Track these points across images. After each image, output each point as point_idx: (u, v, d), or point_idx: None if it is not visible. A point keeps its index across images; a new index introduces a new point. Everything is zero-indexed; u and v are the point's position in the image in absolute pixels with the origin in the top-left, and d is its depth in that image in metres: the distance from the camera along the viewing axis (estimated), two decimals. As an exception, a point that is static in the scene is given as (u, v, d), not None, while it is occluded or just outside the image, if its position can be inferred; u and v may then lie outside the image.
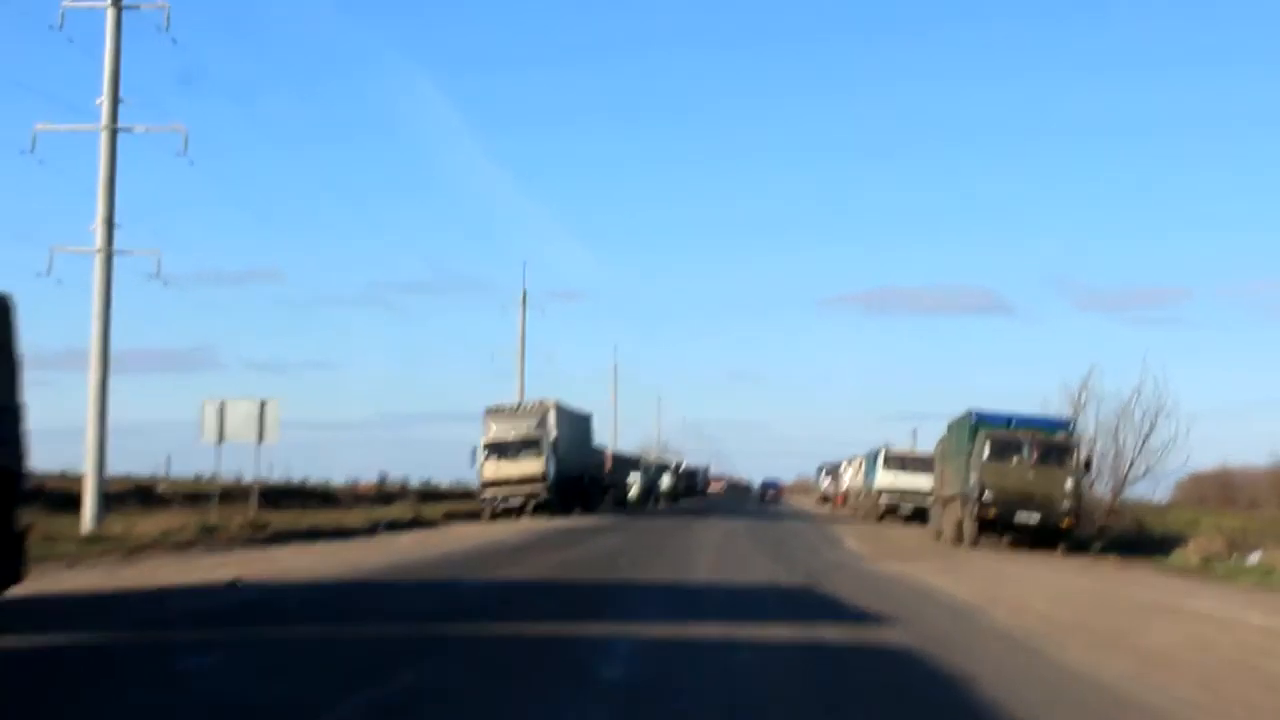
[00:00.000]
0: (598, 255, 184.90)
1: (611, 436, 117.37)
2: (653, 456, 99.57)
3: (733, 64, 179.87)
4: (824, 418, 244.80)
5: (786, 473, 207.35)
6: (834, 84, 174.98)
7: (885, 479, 62.59)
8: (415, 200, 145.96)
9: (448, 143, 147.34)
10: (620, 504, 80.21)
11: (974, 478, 38.99)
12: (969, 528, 39.11)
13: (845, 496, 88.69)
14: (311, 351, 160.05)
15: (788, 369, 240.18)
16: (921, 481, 61.56)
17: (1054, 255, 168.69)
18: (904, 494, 62.32)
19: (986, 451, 38.88)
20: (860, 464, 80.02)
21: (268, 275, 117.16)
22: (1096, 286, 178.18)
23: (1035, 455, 38.81)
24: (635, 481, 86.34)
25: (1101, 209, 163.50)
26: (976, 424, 40.46)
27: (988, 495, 38.51)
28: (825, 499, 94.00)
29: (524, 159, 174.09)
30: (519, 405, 59.10)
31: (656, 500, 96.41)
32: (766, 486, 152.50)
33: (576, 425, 63.02)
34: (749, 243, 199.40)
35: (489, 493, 55.57)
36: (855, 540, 42.46)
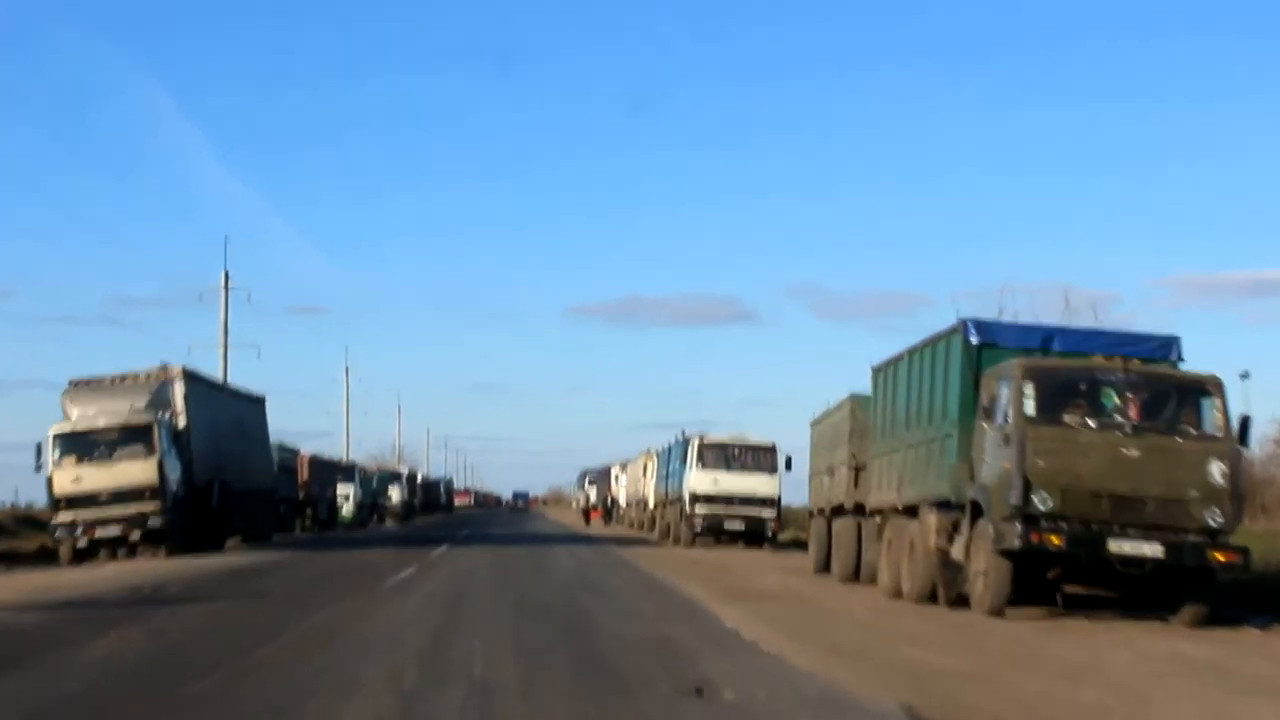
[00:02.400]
0: (340, 269, 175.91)
1: (343, 449, 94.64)
2: (374, 467, 75.11)
3: (483, 74, 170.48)
4: (573, 429, 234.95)
5: (537, 485, 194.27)
6: (583, 92, 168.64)
7: (701, 481, 40.18)
8: (155, 218, 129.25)
9: (189, 161, 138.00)
10: (325, 525, 56.25)
11: (992, 464, 17.03)
12: (993, 575, 16.85)
13: (607, 509, 66.13)
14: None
15: (534, 380, 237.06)
16: (756, 484, 39.77)
17: (794, 264, 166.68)
18: (731, 503, 39.96)
19: (1031, 404, 16.71)
20: (648, 463, 57.58)
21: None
22: (835, 294, 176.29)
23: (1136, 409, 16.84)
24: (348, 495, 62.32)
25: (839, 217, 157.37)
26: (981, 346, 18.35)
27: (1042, 500, 16.37)
28: (586, 513, 71.01)
29: (266, 176, 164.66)
30: (120, 376, 34.73)
31: (381, 519, 72.35)
32: (518, 497, 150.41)
33: (227, 409, 38.96)
34: (493, 253, 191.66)
35: (65, 516, 31.69)
36: (727, 607, 19.70)
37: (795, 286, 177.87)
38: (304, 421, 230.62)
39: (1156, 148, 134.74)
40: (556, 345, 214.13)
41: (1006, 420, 16.96)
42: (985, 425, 17.64)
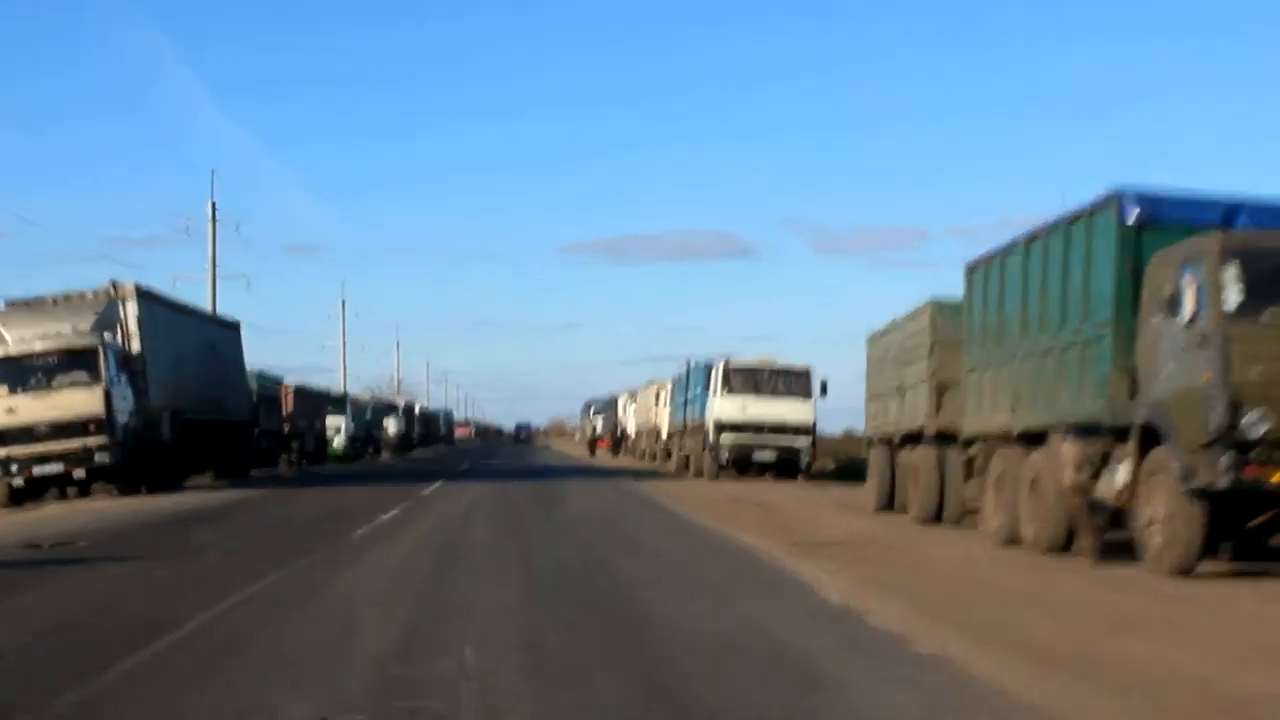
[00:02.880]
0: (336, 209, 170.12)
1: (342, 381, 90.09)
2: (368, 397, 70.45)
3: (479, 11, 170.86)
4: (571, 365, 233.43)
5: (538, 418, 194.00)
6: (578, 31, 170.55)
7: (728, 408, 35.50)
8: (155, 162, 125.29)
9: (188, 105, 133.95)
10: (314, 459, 51.65)
11: (1174, 374, 12.35)
12: (1180, 523, 12.14)
13: (615, 439, 61.48)
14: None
15: (532, 317, 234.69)
16: (789, 411, 35.23)
17: (791, 198, 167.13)
18: (761, 431, 35.32)
19: (1236, 294, 11.96)
20: (660, 391, 52.93)
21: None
22: (833, 229, 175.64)
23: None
24: (339, 428, 57.63)
25: (834, 152, 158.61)
26: (1142, 226, 13.54)
27: (1257, 422, 11.64)
28: (593, 444, 66.00)
29: (264, 119, 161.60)
30: (63, 295, 29.95)
31: (377, 452, 67.80)
32: (520, 429, 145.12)
33: (193, 334, 34.20)
34: (489, 190, 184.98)
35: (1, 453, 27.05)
36: (838, 576, 14.79)
37: (792, 221, 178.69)
38: (302, 358, 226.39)
39: (1161, 82, 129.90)
40: (553, 282, 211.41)
41: (1198, 316, 12.21)
42: (1159, 323, 12.90)
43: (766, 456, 35.47)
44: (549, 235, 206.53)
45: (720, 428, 35.53)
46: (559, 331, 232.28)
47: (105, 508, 24.47)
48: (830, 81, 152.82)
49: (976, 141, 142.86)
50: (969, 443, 18.15)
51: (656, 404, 53.54)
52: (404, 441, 76.59)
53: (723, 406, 35.60)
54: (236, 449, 36.60)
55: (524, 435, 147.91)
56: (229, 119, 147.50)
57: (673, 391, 46.42)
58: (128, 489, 27.58)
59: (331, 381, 78.53)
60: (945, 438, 19.52)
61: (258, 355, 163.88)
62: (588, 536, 17.08)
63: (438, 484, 31.31)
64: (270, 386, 46.74)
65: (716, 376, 35.95)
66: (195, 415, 32.53)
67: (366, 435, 65.33)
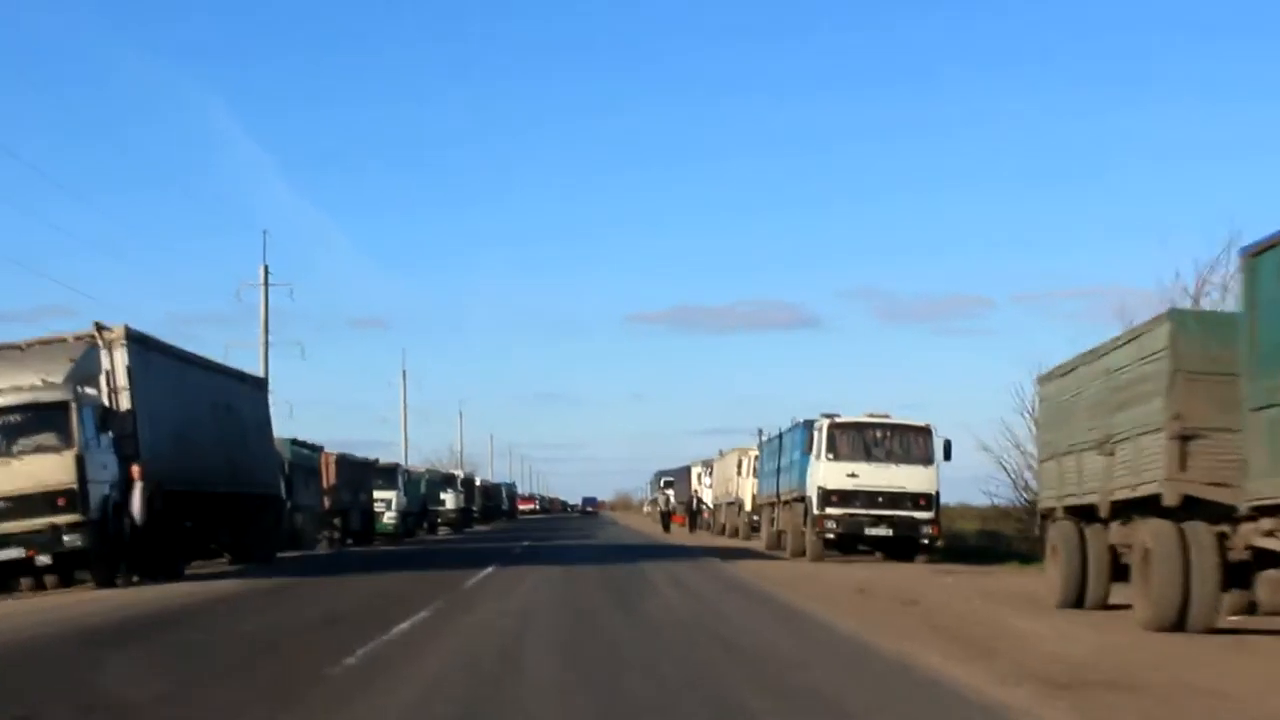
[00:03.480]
0: (400, 282, 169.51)
1: (403, 454, 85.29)
2: (422, 469, 64.81)
3: (544, 75, 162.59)
4: (636, 436, 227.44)
5: (603, 491, 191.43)
6: (630, 98, 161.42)
7: (834, 475, 29.55)
8: (218, 236, 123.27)
9: (252, 178, 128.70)
10: (360, 537, 46.06)
11: None
12: None
13: (691, 513, 55.28)
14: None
15: (597, 389, 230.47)
16: (907, 478, 29.47)
17: (854, 268, 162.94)
18: (874, 503, 29.35)
19: None
20: (743, 459, 46.98)
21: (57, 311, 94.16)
22: (897, 298, 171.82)
23: None
24: (390, 501, 51.98)
25: (897, 220, 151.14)
26: None
27: None
28: (666, 519, 59.11)
29: (328, 191, 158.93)
30: (39, 340, 24.55)
31: (433, 528, 62.11)
32: (586, 502, 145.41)
33: (202, 390, 28.66)
34: (551, 263, 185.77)
35: (-53, 536, 21.68)
36: None
37: (855, 290, 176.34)
38: (364, 432, 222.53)
39: (1217, 148, 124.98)
40: (617, 353, 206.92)
41: None
42: None
43: (880, 532, 29.42)
44: (614, 305, 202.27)
45: (825, 498, 29.51)
46: (624, 403, 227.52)
47: (68, 604, 18.98)
48: (891, 149, 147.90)
49: (1041, 209, 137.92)
50: (1257, 516, 12.13)
51: (739, 473, 47.57)
52: (463, 517, 70.92)
53: (827, 473, 29.61)
54: (258, 527, 30.98)
55: (591, 509, 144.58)
56: (293, 190, 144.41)
57: (760, 458, 40.48)
58: (105, 580, 22.04)
59: (393, 456, 73.58)
60: (1194, 505, 13.56)
61: (318, 431, 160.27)
62: (694, 659, 11.25)
63: (489, 569, 25.49)
64: (307, 456, 41.25)
65: (819, 438, 29.99)
66: (203, 487, 27.01)
67: (421, 510, 59.66)
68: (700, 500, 54.99)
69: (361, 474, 48.05)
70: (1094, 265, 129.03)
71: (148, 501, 22.49)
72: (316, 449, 43.34)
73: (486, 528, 76.21)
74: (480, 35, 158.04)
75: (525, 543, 41.51)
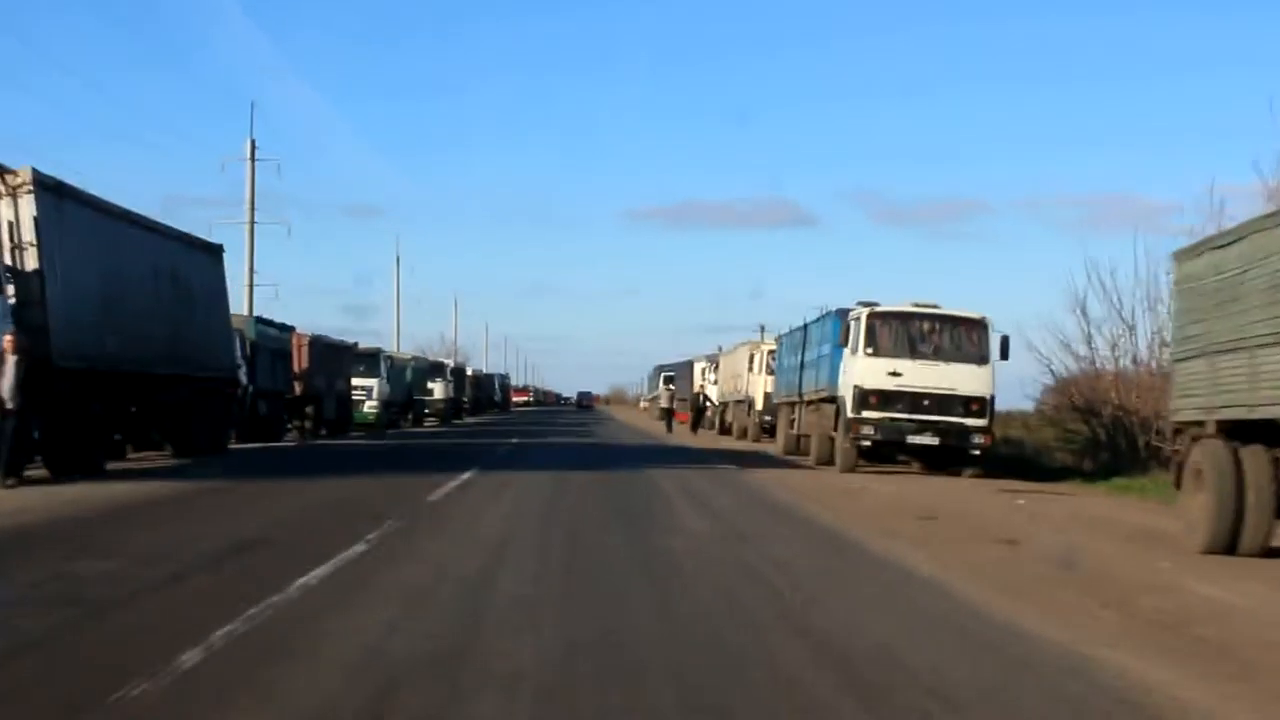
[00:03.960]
0: (396, 170, 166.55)
1: (395, 342, 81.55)
2: (408, 355, 60.33)
3: None
4: (632, 331, 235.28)
5: (598, 386, 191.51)
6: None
7: (873, 373, 25.24)
8: (216, 119, 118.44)
9: (253, 64, 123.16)
10: (336, 427, 41.94)
11: None
12: None
13: (696, 411, 50.82)
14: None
15: (593, 283, 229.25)
16: (959, 378, 25.34)
17: (853, 169, 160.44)
18: (919, 406, 25.09)
19: None
20: (755, 353, 42.68)
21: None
22: (895, 201, 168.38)
23: None
24: (371, 390, 47.74)
25: (899, 123, 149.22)
26: None
27: None
28: (668, 417, 53.87)
29: (328, 78, 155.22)
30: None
31: (418, 419, 57.99)
32: (583, 396, 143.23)
33: (138, 253, 24.02)
34: (550, 155, 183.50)
35: None
36: None
37: (854, 192, 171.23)
38: (358, 321, 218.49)
39: (1213, 58, 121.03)
40: (614, 248, 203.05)
41: None
42: None
43: (925, 440, 25.12)
44: (612, 201, 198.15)
45: (863, 399, 25.17)
46: (620, 297, 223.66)
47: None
48: (891, 50, 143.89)
49: (1042, 113, 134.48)
50: None
51: (750, 369, 43.26)
52: (452, 408, 66.78)
53: (866, 371, 25.26)
54: (206, 415, 26.65)
55: (586, 403, 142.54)
56: (293, 75, 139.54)
57: (778, 352, 36.07)
58: (10, 476, 17.73)
59: (388, 345, 69.40)
60: None
61: (309, 317, 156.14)
62: (735, 618, 6.99)
63: (468, 474, 21.16)
64: (275, 337, 36.87)
65: (857, 330, 25.59)
66: (132, 367, 22.63)
67: (406, 399, 55.45)
68: (706, 398, 50.66)
69: (338, 359, 43.70)
70: (1094, 172, 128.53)
71: (21, 383, 18.00)
72: (287, 329, 38.93)
73: (477, 420, 72.12)
74: None
75: (514, 440, 37.24)
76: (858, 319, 25.73)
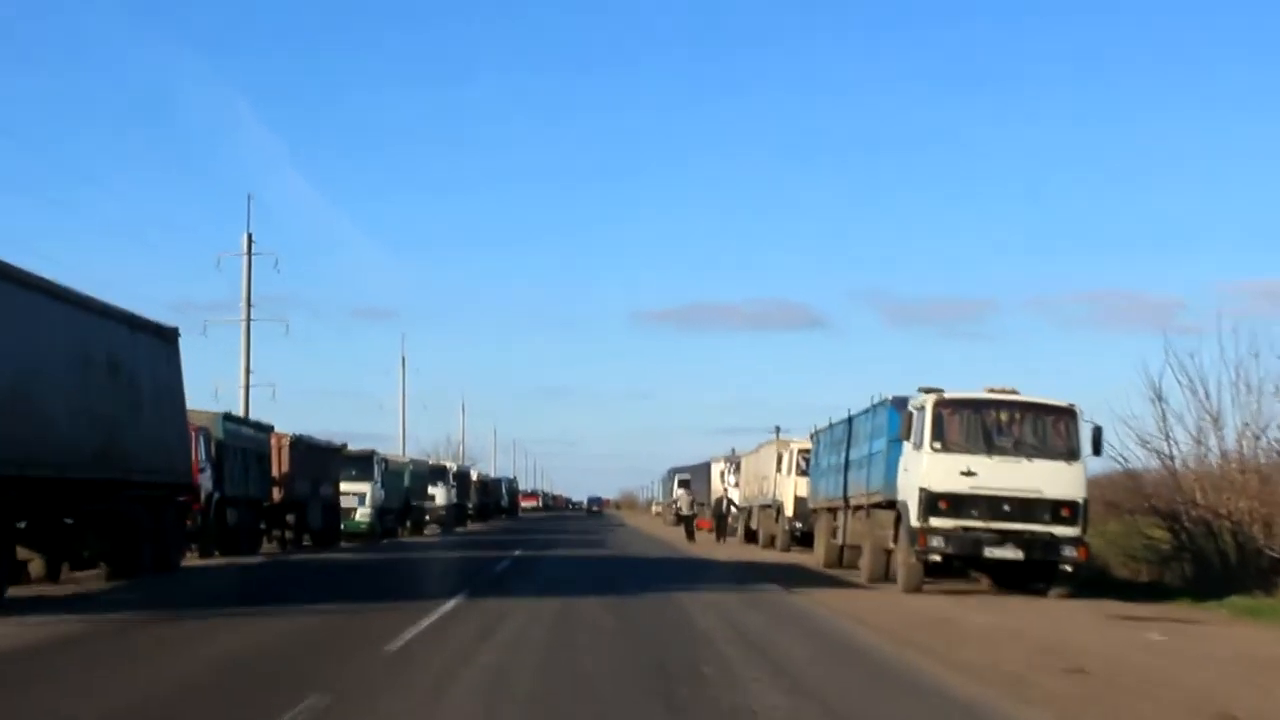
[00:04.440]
0: (406, 273, 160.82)
1: (401, 444, 77.88)
2: (405, 459, 55.84)
3: (549, 75, 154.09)
4: (641, 434, 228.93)
5: (608, 490, 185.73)
6: (639, 99, 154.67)
7: (943, 472, 20.79)
8: (225, 222, 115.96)
9: (261, 165, 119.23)
10: (323, 539, 37.62)
11: None
12: None
13: (719, 519, 45.97)
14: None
15: (602, 385, 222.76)
16: (1044, 478, 20.64)
17: (862, 270, 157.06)
18: (999, 512, 20.66)
19: None
20: (786, 452, 38.27)
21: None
22: (905, 300, 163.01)
23: None
24: (364, 495, 43.36)
25: (909, 223, 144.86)
26: None
27: None
28: (689, 525, 48.26)
29: (335, 179, 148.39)
30: None
31: (417, 527, 53.45)
32: (592, 502, 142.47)
33: (53, 331, 19.60)
34: (558, 259, 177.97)
35: None
36: None
37: (864, 292, 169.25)
38: (365, 425, 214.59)
39: (1221, 156, 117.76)
40: (623, 350, 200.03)
41: None
42: None
43: (1006, 554, 20.66)
44: (621, 302, 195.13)
45: (930, 505, 20.76)
46: (629, 400, 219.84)
47: None
48: (901, 151, 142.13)
49: (1048, 213, 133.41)
50: None
51: (778, 470, 38.81)
52: (455, 514, 62.24)
53: (934, 470, 20.87)
54: (150, 529, 22.30)
55: (596, 509, 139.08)
56: (301, 177, 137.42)
57: (816, 451, 31.64)
58: None
59: (394, 450, 65.27)
60: None
61: (315, 422, 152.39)
62: None
63: (452, 603, 16.73)
64: (250, 436, 32.62)
65: (920, 421, 21.24)
66: (48, 471, 18.34)
67: (404, 506, 50.92)
68: (730, 503, 45.99)
69: (325, 461, 39.36)
70: (1100, 270, 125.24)
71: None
72: (265, 428, 34.69)
73: (482, 527, 67.50)
74: (490, 28, 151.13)
75: (517, 551, 32.70)
76: (921, 408, 21.40)
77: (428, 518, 58.10)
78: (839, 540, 27.68)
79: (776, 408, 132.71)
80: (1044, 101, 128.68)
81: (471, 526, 65.90)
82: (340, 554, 32.37)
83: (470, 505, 72.65)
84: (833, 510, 28.57)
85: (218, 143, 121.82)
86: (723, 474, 53.84)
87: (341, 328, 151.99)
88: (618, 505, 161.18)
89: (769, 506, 40.48)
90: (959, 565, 21.54)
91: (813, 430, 32.12)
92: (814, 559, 30.51)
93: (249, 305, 55.27)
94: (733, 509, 44.89)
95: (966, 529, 20.66)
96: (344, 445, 41.83)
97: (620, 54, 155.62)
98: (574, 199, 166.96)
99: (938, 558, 20.90)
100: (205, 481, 28.40)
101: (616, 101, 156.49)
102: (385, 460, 46.64)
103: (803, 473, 36.93)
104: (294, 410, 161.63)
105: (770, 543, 40.32)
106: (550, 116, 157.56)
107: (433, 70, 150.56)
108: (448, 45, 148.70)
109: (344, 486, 42.30)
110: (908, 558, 21.29)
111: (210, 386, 53.83)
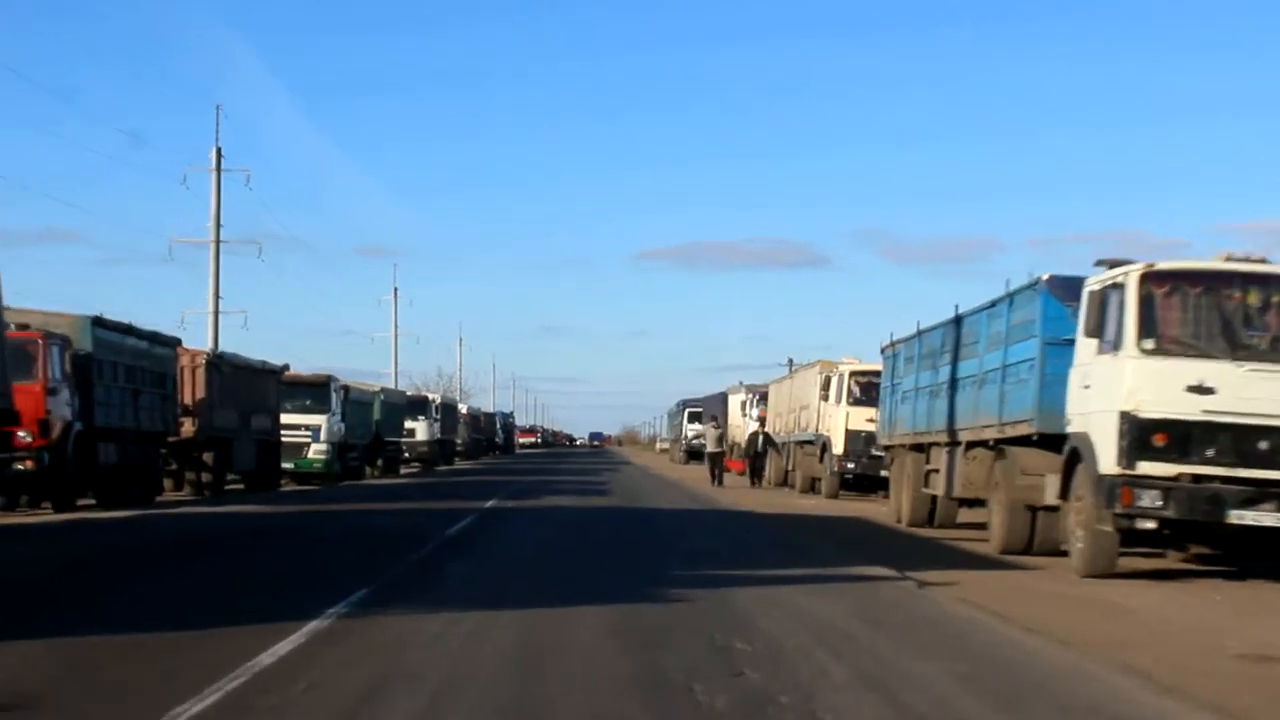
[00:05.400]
0: (410, 213, 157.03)
1: (391, 378, 70.32)
2: (375, 387, 47.20)
3: (553, 18, 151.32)
4: (642, 373, 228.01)
5: (609, 425, 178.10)
6: (654, 39, 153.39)
7: (1157, 386, 12.26)
8: (234, 161, 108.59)
9: (266, 107, 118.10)
10: (260, 480, 29.62)
11: None
12: None
13: (755, 458, 36.90)
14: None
15: (603, 324, 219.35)
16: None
17: (864, 209, 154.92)
18: (1256, 446, 12.17)
19: None
20: (834, 378, 29.83)
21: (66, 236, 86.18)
22: (907, 239, 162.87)
23: None
24: (320, 428, 35.16)
25: (911, 162, 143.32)
26: None
27: None
28: (716, 466, 38.27)
29: (340, 122, 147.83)
30: None
31: (391, 466, 45.27)
32: (594, 437, 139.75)
33: None
34: (562, 199, 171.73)
35: None
36: None
37: (865, 232, 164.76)
38: (362, 364, 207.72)
39: (1222, 100, 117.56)
40: (624, 289, 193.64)
41: None
42: None
43: (1267, 518, 12.38)
44: (624, 242, 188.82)
45: (1141, 440, 12.42)
46: (629, 339, 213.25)
47: None
48: (904, 94, 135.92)
49: (1056, 153, 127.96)
50: None
51: (825, 398, 30.41)
52: (438, 451, 53.95)
53: (1145, 383, 12.53)
54: None
55: (597, 444, 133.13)
56: (305, 119, 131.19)
57: (892, 368, 23.05)
58: None
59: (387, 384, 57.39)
60: None
61: (323, 360, 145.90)
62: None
63: (323, 621, 8.47)
64: (141, 352, 24.28)
65: (1120, 305, 12.84)
66: None
67: (373, 441, 42.56)
68: (768, 439, 36.73)
69: (259, 387, 30.97)
70: (1104, 210, 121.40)
71: None
72: (169, 341, 26.39)
73: (471, 465, 59.24)
74: None
75: (491, 502, 24.29)
76: (1116, 287, 13.02)
77: (406, 455, 50.00)
78: (936, 489, 19.37)
79: (780, 344, 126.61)
80: (1047, 40, 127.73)
81: (460, 465, 57.66)
82: (262, 505, 24.09)
83: (459, 441, 64.42)
84: (922, 448, 20.24)
85: (220, 87, 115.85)
86: (744, 405, 45.40)
87: (341, 267, 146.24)
88: (619, 441, 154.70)
89: (809, 443, 32.12)
90: (1183, 533, 13.26)
91: (886, 342, 23.66)
92: (886, 512, 22.29)
93: (218, 225, 47.36)
94: (773, 448, 36.05)
95: (1199, 478, 12.37)
96: (284, 367, 33.41)
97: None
98: (577, 141, 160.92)
99: (1150, 524, 12.62)
100: (58, 407, 20.22)
101: (618, 45, 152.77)
102: (346, 387, 38.23)
103: (858, 401, 28.67)
104: (285, 348, 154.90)
105: (809, 487, 32.09)
106: (552, 59, 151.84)
107: (434, 16, 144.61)
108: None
109: (291, 419, 34.09)
110: (1095, 523, 12.99)
111: (178, 315, 47.51)
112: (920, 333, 20.89)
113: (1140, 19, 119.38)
